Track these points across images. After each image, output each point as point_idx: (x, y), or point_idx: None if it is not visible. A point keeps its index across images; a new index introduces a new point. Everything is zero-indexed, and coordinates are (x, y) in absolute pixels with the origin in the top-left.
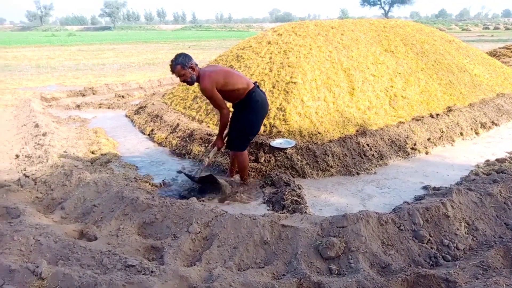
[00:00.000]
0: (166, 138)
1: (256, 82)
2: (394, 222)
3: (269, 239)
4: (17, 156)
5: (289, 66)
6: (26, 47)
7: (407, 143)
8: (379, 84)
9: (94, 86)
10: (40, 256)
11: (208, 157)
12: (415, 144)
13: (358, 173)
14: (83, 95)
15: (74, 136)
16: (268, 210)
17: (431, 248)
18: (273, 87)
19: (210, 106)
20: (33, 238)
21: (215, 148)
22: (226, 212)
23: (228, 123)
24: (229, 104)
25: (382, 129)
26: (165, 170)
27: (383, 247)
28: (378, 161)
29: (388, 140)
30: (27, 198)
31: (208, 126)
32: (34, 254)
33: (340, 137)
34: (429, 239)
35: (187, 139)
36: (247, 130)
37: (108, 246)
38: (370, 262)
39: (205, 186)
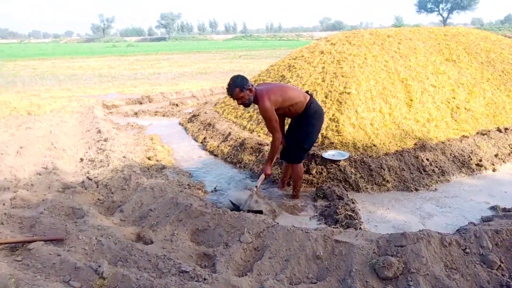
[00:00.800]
0: (218, 146)
1: (308, 91)
2: (459, 244)
3: (321, 254)
4: (82, 159)
5: (342, 76)
6: (90, 58)
7: (471, 159)
8: (439, 95)
9: (150, 94)
10: (102, 256)
11: (256, 187)
12: (480, 160)
13: (416, 189)
14: (140, 103)
15: (132, 142)
16: (320, 223)
17: (503, 275)
18: (326, 97)
19: (261, 116)
20: (95, 238)
21: (263, 176)
22: (278, 223)
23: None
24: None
25: (443, 143)
26: (216, 178)
27: (446, 271)
28: (439, 177)
29: (450, 155)
30: (90, 200)
31: (259, 136)
32: (96, 253)
33: (397, 151)
34: (500, 265)
35: (238, 148)
36: (304, 141)
37: (163, 250)
38: (432, 286)
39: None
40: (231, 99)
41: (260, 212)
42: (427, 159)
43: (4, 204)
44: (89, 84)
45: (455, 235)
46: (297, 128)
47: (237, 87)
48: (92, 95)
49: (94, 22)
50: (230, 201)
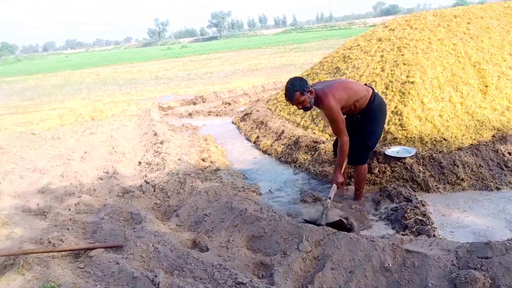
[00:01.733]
0: (271, 145)
1: (367, 83)
2: None
3: (390, 265)
4: (140, 163)
5: (404, 64)
6: (147, 62)
7: None
8: None
9: (203, 94)
10: (158, 264)
11: (330, 198)
12: None
13: (498, 188)
14: (194, 104)
15: (187, 144)
16: (386, 229)
17: None
18: (386, 88)
19: (315, 112)
20: (153, 245)
21: (334, 186)
22: (339, 231)
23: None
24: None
25: None
26: (271, 179)
27: None
28: None
29: None
30: (148, 204)
31: (314, 133)
32: (153, 261)
33: (472, 144)
34: None
35: (292, 146)
36: (369, 140)
37: (219, 258)
38: None
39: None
40: (287, 101)
41: (342, 222)
42: (509, 153)
43: (69, 210)
44: (146, 87)
45: None
46: (360, 127)
47: (297, 91)
48: (149, 98)
49: (150, 26)
50: (305, 219)
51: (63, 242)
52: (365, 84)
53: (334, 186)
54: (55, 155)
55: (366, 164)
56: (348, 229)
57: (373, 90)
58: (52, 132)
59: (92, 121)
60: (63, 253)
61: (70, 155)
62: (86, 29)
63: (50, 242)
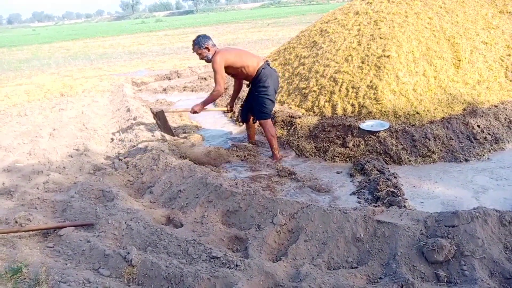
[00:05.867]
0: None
1: (267, 60)
2: None
3: (362, 236)
4: (112, 139)
5: (380, 38)
6: (120, 36)
7: None
8: (492, 53)
9: (178, 69)
10: (131, 241)
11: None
12: None
13: (466, 160)
14: (169, 79)
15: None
16: (359, 202)
17: None
18: (362, 62)
19: (292, 86)
20: (125, 222)
21: (189, 108)
22: (313, 204)
23: (214, 100)
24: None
25: (496, 106)
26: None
27: (506, 253)
28: (492, 146)
29: (505, 120)
30: (120, 181)
31: (290, 108)
32: (125, 238)
33: (443, 118)
34: None
35: None
36: (262, 100)
37: (193, 234)
38: (490, 271)
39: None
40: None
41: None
42: (478, 126)
43: (38, 188)
44: (119, 62)
45: None
46: (255, 90)
47: (196, 45)
48: (122, 73)
49: None
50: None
51: (30, 221)
52: (266, 61)
53: (189, 109)
54: (22, 132)
55: (270, 121)
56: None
57: (265, 63)
58: (19, 109)
59: (62, 97)
60: (31, 233)
61: (38, 132)
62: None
63: (16, 222)
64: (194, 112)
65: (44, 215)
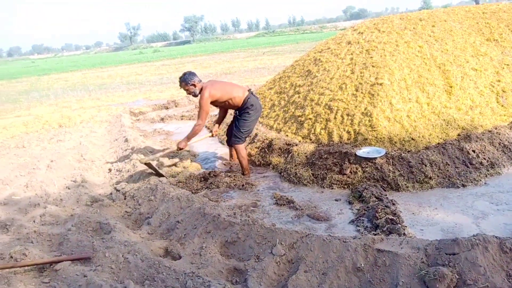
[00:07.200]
0: (245, 148)
1: (250, 89)
2: None
3: (363, 265)
4: (110, 170)
5: (373, 66)
6: (118, 66)
7: None
8: (482, 79)
9: (176, 99)
10: (128, 275)
11: (163, 151)
12: None
13: (464, 185)
14: (167, 108)
15: (158, 150)
16: (358, 230)
17: None
18: (356, 90)
19: (288, 114)
20: (122, 255)
21: (175, 146)
22: (312, 234)
23: (196, 135)
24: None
25: (490, 131)
26: None
27: (509, 281)
28: (488, 170)
29: (499, 144)
30: (118, 213)
31: (287, 135)
32: (123, 272)
33: (438, 143)
34: None
35: (266, 149)
36: (241, 128)
37: (191, 266)
38: None
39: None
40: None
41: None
42: (473, 151)
43: (34, 221)
44: (117, 92)
45: None
46: (238, 118)
47: (183, 82)
48: (120, 103)
49: (122, 31)
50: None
51: (26, 256)
52: (249, 90)
53: (175, 146)
54: (19, 165)
55: (242, 146)
56: (159, 173)
57: (249, 93)
58: (16, 140)
59: (60, 128)
60: (27, 268)
61: (36, 164)
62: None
63: (12, 257)
64: (180, 149)
65: (40, 249)
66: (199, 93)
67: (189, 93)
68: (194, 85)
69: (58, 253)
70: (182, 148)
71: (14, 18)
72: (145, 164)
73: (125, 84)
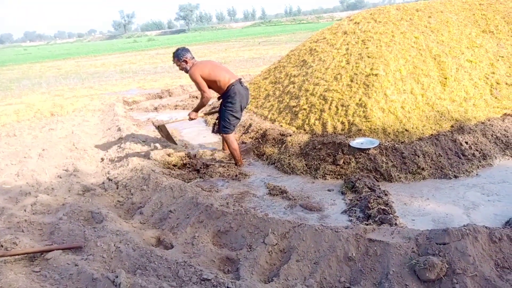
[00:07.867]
0: (239, 139)
1: (240, 78)
2: (511, 239)
3: (354, 255)
4: (102, 159)
5: (368, 56)
6: (112, 54)
7: None
8: (476, 71)
9: (170, 88)
10: (120, 264)
11: (176, 119)
12: None
13: (456, 176)
14: (161, 97)
15: (152, 139)
16: (350, 220)
17: None
18: (351, 80)
19: (282, 105)
20: (114, 245)
21: (187, 116)
22: (304, 223)
23: (205, 106)
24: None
25: (483, 123)
26: None
27: (497, 270)
28: (480, 162)
29: (492, 136)
30: (110, 202)
31: (281, 126)
32: (114, 261)
33: (432, 134)
34: None
35: (260, 139)
36: (228, 116)
37: (184, 255)
38: None
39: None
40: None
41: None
42: (466, 142)
43: (25, 210)
44: (110, 81)
45: (506, 229)
46: (223, 107)
47: (175, 57)
48: (113, 92)
49: (116, 19)
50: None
51: (17, 245)
52: (239, 79)
53: (187, 116)
54: (10, 153)
55: (232, 135)
56: (170, 139)
57: (237, 81)
58: (7, 129)
59: (52, 117)
60: (17, 257)
61: (27, 152)
62: (47, 21)
63: (2, 246)
64: (191, 119)
65: (31, 238)
66: (189, 70)
67: (181, 69)
68: (186, 61)
69: (49, 242)
70: (194, 118)
71: (5, 4)
72: (158, 127)
73: (118, 73)
